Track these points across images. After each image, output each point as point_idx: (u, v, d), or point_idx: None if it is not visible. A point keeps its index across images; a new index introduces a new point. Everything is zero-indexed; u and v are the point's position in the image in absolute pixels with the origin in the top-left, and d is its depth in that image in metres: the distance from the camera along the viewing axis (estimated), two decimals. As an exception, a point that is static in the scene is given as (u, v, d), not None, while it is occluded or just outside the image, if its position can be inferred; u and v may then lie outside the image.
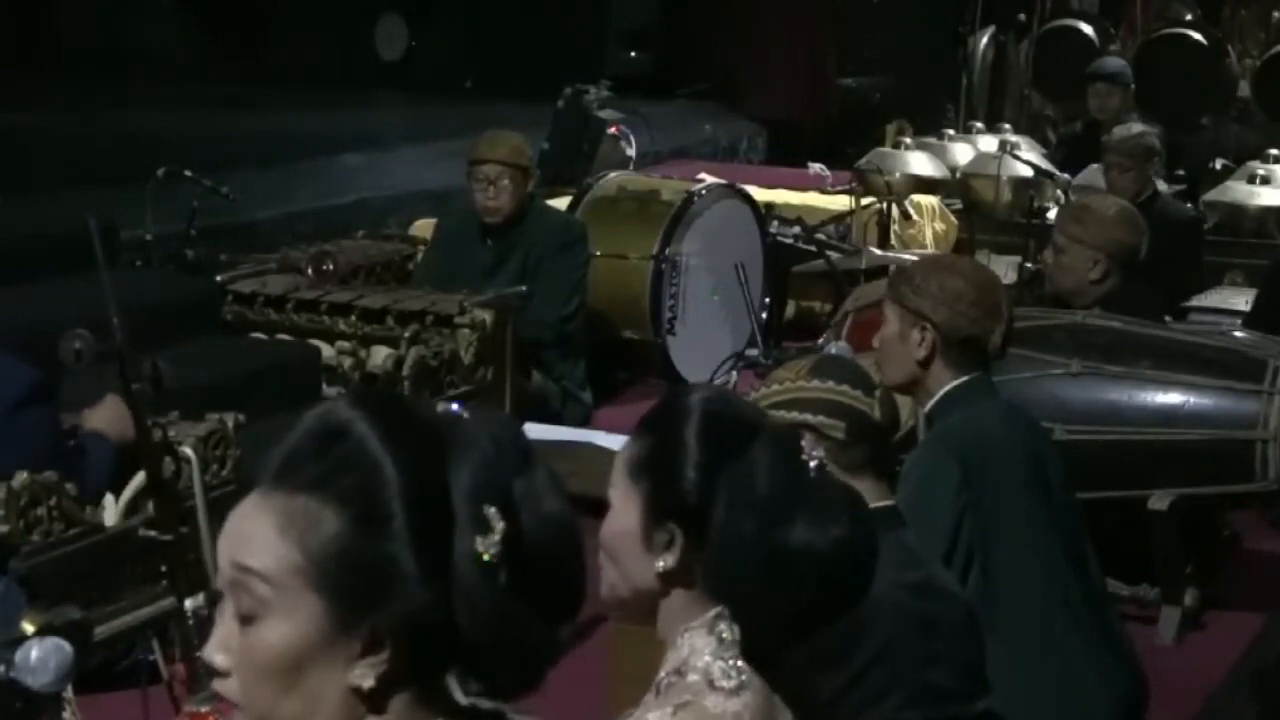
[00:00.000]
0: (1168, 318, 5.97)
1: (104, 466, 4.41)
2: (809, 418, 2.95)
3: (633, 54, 12.52)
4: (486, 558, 1.46)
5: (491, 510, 1.47)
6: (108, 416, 4.47)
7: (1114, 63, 10.14)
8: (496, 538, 1.46)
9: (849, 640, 2.81)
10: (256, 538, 1.49)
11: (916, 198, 9.03)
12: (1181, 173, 9.21)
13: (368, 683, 1.48)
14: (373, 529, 1.46)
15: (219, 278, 6.61)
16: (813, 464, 2.06)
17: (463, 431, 1.51)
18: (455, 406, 1.56)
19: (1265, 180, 8.86)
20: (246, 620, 1.49)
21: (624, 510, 2.16)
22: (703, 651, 2.09)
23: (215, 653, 1.52)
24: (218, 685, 1.52)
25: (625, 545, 2.15)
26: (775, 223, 8.14)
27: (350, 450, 1.48)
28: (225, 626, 1.51)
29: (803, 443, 2.10)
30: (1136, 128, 7.63)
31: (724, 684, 2.06)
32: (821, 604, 2.06)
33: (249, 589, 1.49)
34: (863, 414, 3.00)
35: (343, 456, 1.48)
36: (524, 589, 1.48)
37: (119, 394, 4.44)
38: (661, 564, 2.13)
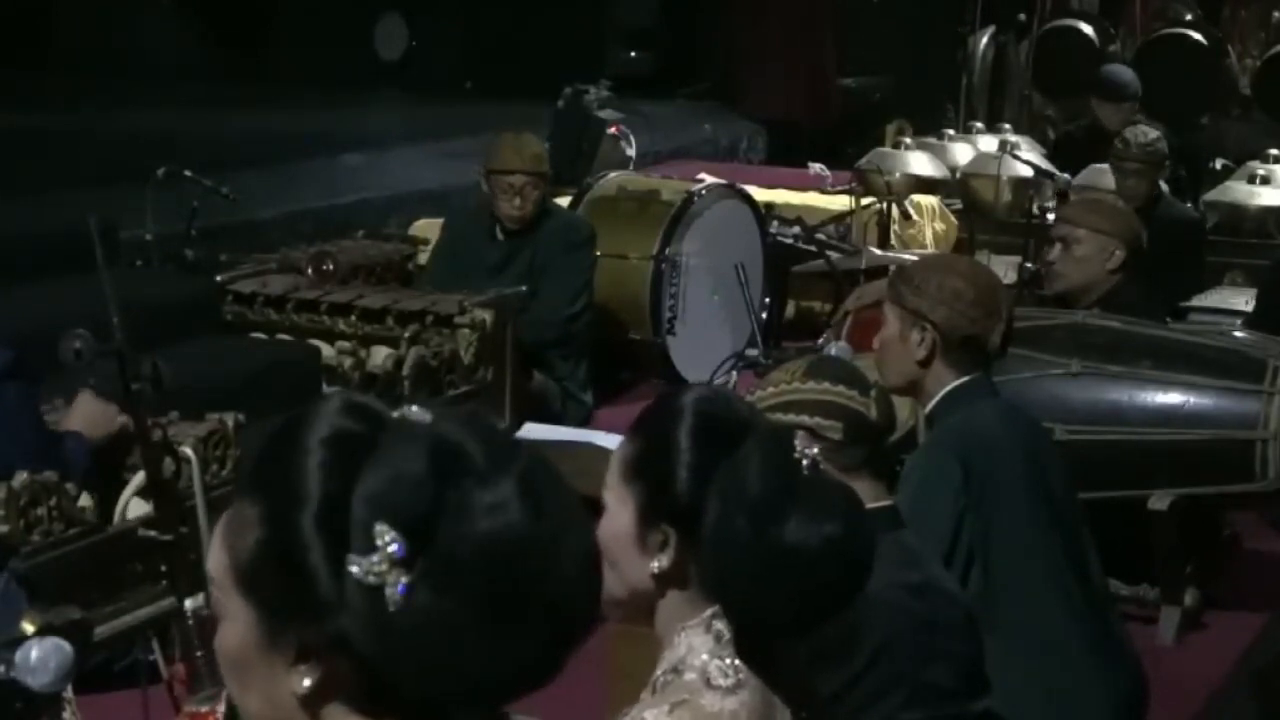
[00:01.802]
0: (1168, 318, 5.98)
1: (79, 462, 4.41)
2: (805, 419, 2.95)
3: (633, 54, 12.52)
4: (362, 577, 1.38)
5: (381, 527, 1.38)
6: (81, 415, 4.48)
7: (1127, 73, 10.06)
8: (376, 559, 1.38)
9: (848, 640, 2.81)
10: (214, 540, 1.51)
11: (916, 198, 9.03)
12: (1184, 173, 9.21)
13: (301, 690, 1.46)
14: (287, 541, 1.43)
15: (219, 278, 6.61)
16: (806, 461, 2.06)
17: (392, 440, 1.43)
18: (415, 409, 1.47)
19: (1265, 180, 8.86)
20: (219, 617, 1.53)
21: (618, 512, 2.16)
22: (700, 650, 2.09)
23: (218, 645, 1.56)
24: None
25: (620, 547, 2.15)
26: (775, 223, 8.14)
27: (282, 456, 1.45)
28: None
29: (796, 440, 2.09)
30: (1152, 133, 7.63)
31: (721, 682, 2.06)
32: (816, 602, 2.06)
33: (212, 589, 1.52)
34: (859, 414, 3.00)
35: (276, 463, 1.46)
36: (468, 605, 1.40)
37: (91, 390, 4.46)
38: (656, 565, 2.13)
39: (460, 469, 1.41)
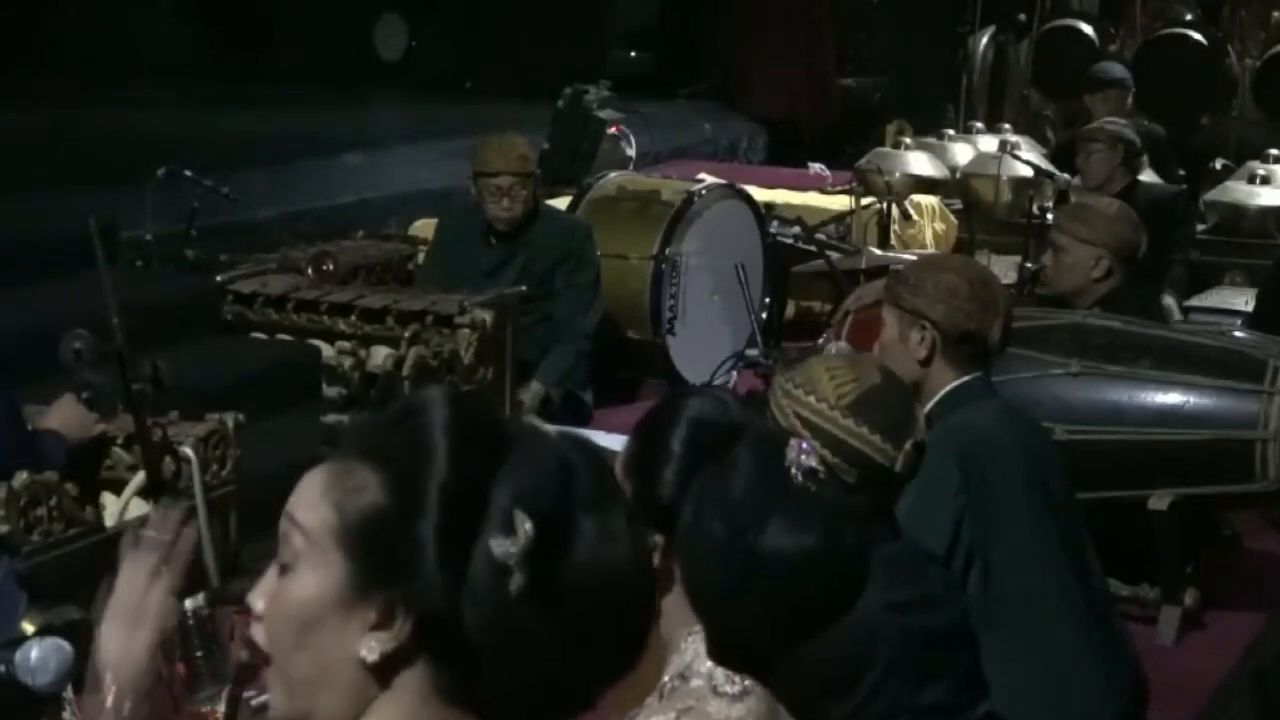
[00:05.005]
0: (1167, 301, 5.98)
1: (55, 459, 4.40)
2: (827, 455, 2.81)
3: (633, 54, 12.53)
4: (499, 558, 1.48)
5: (521, 516, 1.48)
6: (62, 416, 4.47)
7: (1113, 66, 10.13)
8: (518, 543, 1.48)
9: (851, 668, 2.77)
10: (308, 493, 1.56)
11: (916, 198, 9.03)
12: (1183, 172, 9.22)
13: (373, 656, 1.51)
14: (407, 508, 1.50)
15: (219, 278, 6.61)
16: (796, 469, 2.03)
17: (532, 442, 1.54)
18: (535, 419, 1.58)
19: (1265, 180, 8.87)
20: (284, 570, 1.56)
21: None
22: (706, 656, 2.09)
23: (256, 598, 1.59)
24: (252, 629, 1.59)
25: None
26: (775, 223, 8.13)
27: (409, 430, 1.53)
28: (269, 574, 1.59)
29: (788, 449, 2.06)
30: (1121, 121, 7.72)
31: (727, 689, 2.05)
32: (792, 616, 2.02)
33: (290, 540, 1.56)
34: (881, 467, 2.89)
35: (401, 434, 1.53)
36: (556, 619, 1.49)
37: (74, 395, 4.45)
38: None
39: (574, 491, 1.52)
